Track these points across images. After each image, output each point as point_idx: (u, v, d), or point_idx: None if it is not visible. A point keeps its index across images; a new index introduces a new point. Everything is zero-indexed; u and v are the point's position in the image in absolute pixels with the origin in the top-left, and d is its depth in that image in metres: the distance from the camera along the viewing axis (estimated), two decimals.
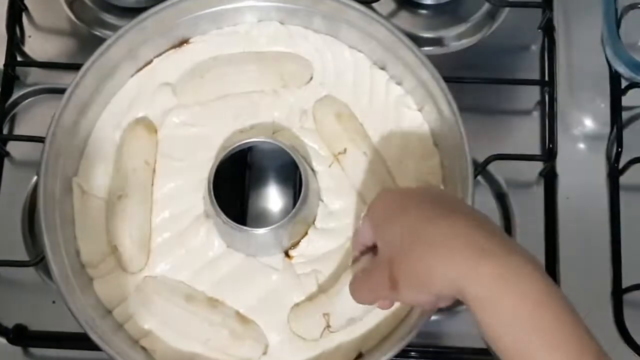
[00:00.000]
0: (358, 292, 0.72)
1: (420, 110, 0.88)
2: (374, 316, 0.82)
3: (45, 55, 1.00)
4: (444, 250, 0.62)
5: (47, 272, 0.85)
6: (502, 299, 0.58)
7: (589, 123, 0.97)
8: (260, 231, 0.81)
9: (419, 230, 0.64)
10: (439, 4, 1.01)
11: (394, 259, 0.65)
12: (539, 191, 0.95)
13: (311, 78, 0.89)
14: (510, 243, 0.62)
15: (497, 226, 0.67)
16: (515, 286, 0.59)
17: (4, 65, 0.97)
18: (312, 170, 0.86)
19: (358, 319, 0.81)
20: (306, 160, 0.86)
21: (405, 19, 1.01)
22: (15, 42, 0.99)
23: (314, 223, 0.85)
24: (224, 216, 0.80)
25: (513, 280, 0.59)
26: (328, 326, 0.80)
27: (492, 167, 0.93)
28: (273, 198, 0.91)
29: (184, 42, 0.90)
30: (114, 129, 0.87)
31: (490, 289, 0.59)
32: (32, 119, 0.98)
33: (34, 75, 0.99)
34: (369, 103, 0.88)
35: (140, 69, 0.89)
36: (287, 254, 0.84)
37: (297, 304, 0.82)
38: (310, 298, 0.83)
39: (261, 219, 0.90)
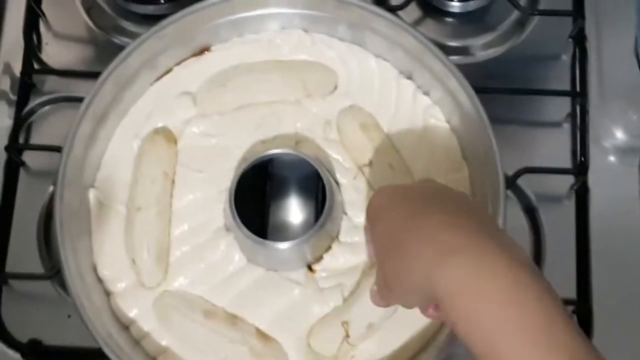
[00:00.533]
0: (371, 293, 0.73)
1: (448, 121, 0.85)
2: (396, 339, 0.79)
3: (63, 63, 0.98)
4: (415, 248, 0.61)
5: (63, 285, 0.83)
6: (469, 295, 0.58)
7: (620, 135, 0.94)
8: (283, 245, 0.78)
9: (400, 229, 0.64)
10: (466, 11, 0.98)
11: (382, 258, 0.66)
12: (570, 206, 0.92)
13: (335, 87, 0.87)
14: (492, 241, 0.60)
15: (489, 223, 0.65)
16: (484, 283, 0.57)
17: (21, 73, 0.95)
18: (336, 182, 0.83)
19: (377, 325, 0.78)
20: (330, 172, 0.83)
21: (431, 27, 0.99)
22: (31, 49, 0.97)
23: (337, 237, 0.82)
24: (245, 230, 0.78)
25: (483, 277, 0.57)
26: (347, 336, 0.78)
27: (521, 181, 0.91)
28: (294, 210, 0.88)
29: (204, 50, 0.88)
30: (133, 139, 0.85)
31: (458, 285, 0.58)
32: (48, 127, 0.96)
33: (51, 83, 0.97)
34: (395, 114, 0.86)
35: (160, 77, 0.87)
36: (310, 268, 0.82)
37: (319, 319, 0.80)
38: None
39: (281, 232, 0.87)
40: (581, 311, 0.87)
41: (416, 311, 0.73)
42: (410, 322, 0.79)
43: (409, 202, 0.66)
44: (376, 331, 0.79)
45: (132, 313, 0.81)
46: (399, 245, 0.63)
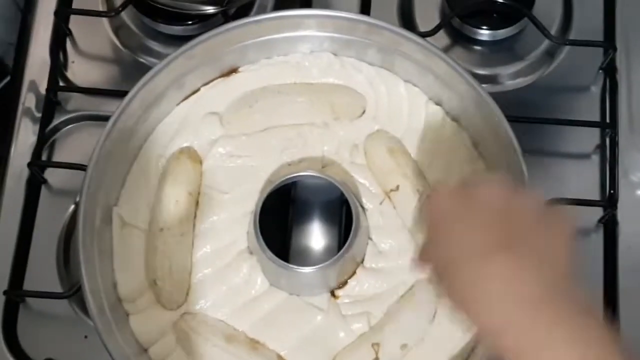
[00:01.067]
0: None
1: (475, 147, 0.84)
2: None
3: (88, 82, 0.97)
4: (489, 290, 0.59)
5: (80, 305, 0.83)
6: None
7: None
8: (307, 270, 0.77)
9: (475, 257, 0.60)
10: (495, 40, 0.97)
11: (446, 265, 0.62)
12: (598, 239, 0.90)
13: (363, 111, 0.86)
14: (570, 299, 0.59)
15: (564, 272, 0.62)
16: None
17: (46, 90, 0.95)
18: (362, 207, 0.82)
19: (411, 345, 0.77)
20: (356, 197, 0.82)
21: (460, 55, 0.98)
22: (58, 67, 0.96)
23: (362, 262, 0.81)
24: (269, 253, 0.77)
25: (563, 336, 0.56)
26: (376, 359, 0.77)
27: None
28: (316, 235, 0.88)
29: (232, 71, 0.87)
30: (158, 158, 0.84)
31: (536, 341, 0.56)
32: (71, 145, 0.95)
33: (76, 101, 0.96)
34: (423, 139, 0.84)
35: (187, 97, 0.86)
36: (333, 294, 0.80)
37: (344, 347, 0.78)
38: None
39: (303, 257, 0.86)
40: None
41: (449, 332, 0.74)
42: (442, 345, 0.78)
43: (498, 225, 0.62)
44: (409, 352, 0.77)
45: (151, 335, 0.79)
46: (473, 272, 0.60)
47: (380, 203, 0.83)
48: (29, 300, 0.89)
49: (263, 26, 0.84)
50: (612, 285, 0.88)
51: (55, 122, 0.95)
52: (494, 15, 0.96)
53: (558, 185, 0.92)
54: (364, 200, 0.83)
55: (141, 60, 0.98)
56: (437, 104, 0.86)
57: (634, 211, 0.91)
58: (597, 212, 0.90)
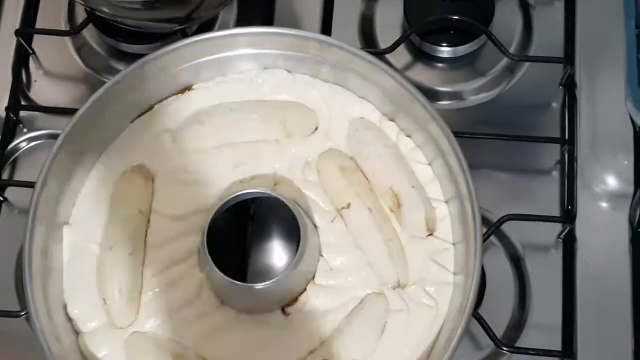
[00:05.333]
0: None
1: (430, 164, 0.84)
2: None
3: (51, 101, 0.98)
4: None
5: None
6: None
7: (611, 180, 0.92)
8: (256, 286, 0.77)
9: None
10: (455, 56, 0.97)
11: None
12: (557, 255, 0.90)
13: (316, 129, 0.86)
14: None
15: None
16: None
17: (6, 108, 0.95)
18: (314, 224, 0.82)
19: None
20: (307, 214, 0.82)
21: (420, 72, 0.98)
22: (19, 85, 0.97)
23: (313, 279, 0.81)
24: (217, 270, 0.76)
25: None
26: None
27: (507, 229, 0.89)
28: (276, 253, 0.88)
29: (186, 88, 0.87)
30: (110, 176, 0.84)
31: None
32: (33, 164, 0.95)
33: (38, 121, 0.97)
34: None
35: (140, 115, 0.86)
36: (283, 311, 0.80)
37: None
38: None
39: (263, 275, 0.86)
40: None
41: (398, 347, 0.74)
42: None
43: None
44: None
45: (101, 354, 0.79)
46: None
47: (332, 220, 0.82)
48: None
49: (215, 44, 0.84)
50: (570, 301, 0.87)
51: (17, 140, 0.96)
52: (452, 32, 0.96)
53: (520, 201, 0.91)
54: (315, 217, 0.82)
55: (104, 79, 0.98)
56: (391, 120, 0.86)
57: (594, 225, 0.90)
58: (557, 228, 0.90)
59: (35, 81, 0.99)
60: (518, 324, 0.87)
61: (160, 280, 0.81)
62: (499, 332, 0.84)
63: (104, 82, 0.94)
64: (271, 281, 0.77)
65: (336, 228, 0.82)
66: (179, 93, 0.87)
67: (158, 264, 0.81)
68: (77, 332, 0.80)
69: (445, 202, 0.83)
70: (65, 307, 0.80)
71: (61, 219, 0.82)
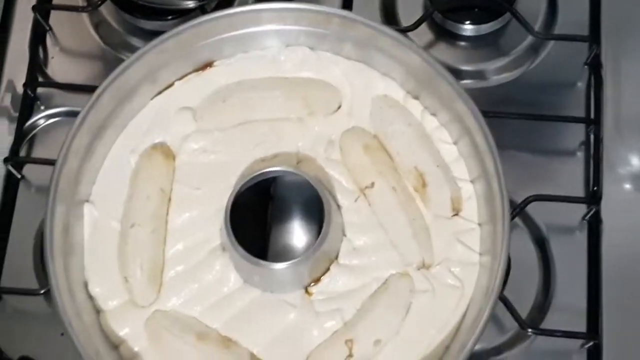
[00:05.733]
0: None
1: (455, 143, 0.82)
2: None
3: (68, 78, 0.97)
4: None
5: None
6: None
7: (636, 162, 0.91)
8: (279, 266, 0.76)
9: None
10: (478, 35, 0.96)
11: None
12: (582, 237, 0.89)
13: (339, 106, 0.85)
14: None
15: None
16: None
17: (23, 85, 0.94)
18: (337, 204, 0.81)
19: (384, 342, 0.76)
20: (330, 194, 0.80)
21: (443, 51, 0.97)
22: (36, 62, 0.96)
23: (336, 259, 0.80)
24: (241, 249, 0.76)
25: None
26: (350, 356, 0.76)
27: (532, 210, 0.88)
28: (296, 233, 0.86)
29: (207, 65, 0.86)
30: (130, 154, 0.83)
31: None
32: (51, 142, 0.95)
33: (56, 98, 0.96)
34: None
35: (161, 92, 0.85)
36: (306, 291, 0.79)
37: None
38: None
39: (283, 255, 0.85)
40: (590, 346, 0.83)
41: (423, 328, 0.73)
42: (416, 341, 0.76)
43: None
44: (382, 349, 0.76)
45: (123, 332, 0.78)
46: None
47: (355, 200, 0.81)
48: (6, 297, 0.88)
49: (236, 19, 0.83)
50: (596, 283, 0.86)
51: (34, 118, 0.95)
52: (476, 10, 0.95)
53: (543, 182, 0.90)
54: (338, 197, 0.81)
55: (122, 56, 0.97)
56: (415, 98, 0.84)
57: (620, 206, 0.89)
58: (582, 210, 0.89)
59: (53, 58, 0.98)
60: (542, 306, 0.86)
61: (182, 259, 0.80)
62: (523, 314, 0.83)
63: (122, 60, 0.94)
64: (295, 260, 0.76)
65: (360, 207, 0.81)
66: (199, 70, 0.86)
67: (180, 243, 0.81)
68: (98, 311, 0.79)
69: (471, 181, 0.82)
70: (86, 285, 0.79)
71: (82, 196, 0.81)
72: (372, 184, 0.81)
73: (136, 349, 0.78)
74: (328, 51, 0.86)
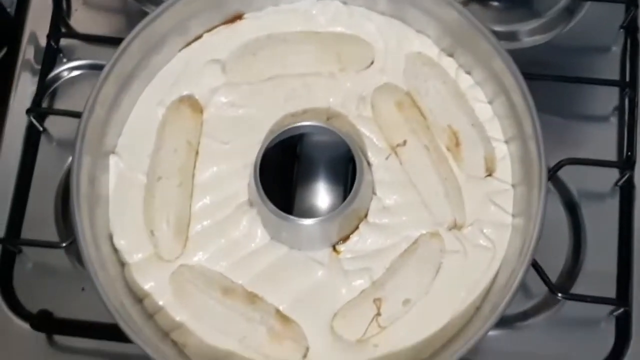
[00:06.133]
0: None
1: (490, 102, 0.81)
2: (424, 328, 0.75)
3: (92, 30, 0.95)
4: None
5: (78, 257, 0.80)
6: None
7: None
8: (308, 222, 0.75)
9: None
10: None
11: None
12: (614, 203, 0.87)
13: (372, 63, 0.83)
14: None
15: None
16: None
17: (47, 36, 0.92)
18: (367, 161, 0.79)
19: (413, 301, 0.75)
20: (361, 150, 0.79)
21: (476, 11, 0.94)
22: (60, 14, 0.94)
23: (366, 217, 0.78)
24: (270, 204, 0.74)
25: None
26: (378, 314, 0.75)
27: (563, 174, 0.86)
28: (321, 194, 0.85)
29: (237, 17, 0.84)
30: (157, 106, 0.82)
31: None
32: (73, 95, 0.94)
33: (78, 50, 0.95)
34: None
35: (189, 43, 0.83)
36: (334, 249, 0.78)
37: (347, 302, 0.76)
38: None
39: (307, 216, 0.83)
40: (620, 313, 0.82)
41: (453, 288, 0.72)
42: (445, 302, 0.75)
43: None
44: (411, 309, 0.75)
45: (147, 285, 0.77)
46: None
47: (386, 158, 0.80)
48: (26, 250, 0.87)
49: None
50: (627, 250, 0.85)
51: (57, 70, 0.93)
52: None
53: (575, 145, 0.89)
54: (369, 155, 0.80)
55: (146, 9, 0.96)
56: (450, 55, 0.82)
57: None
58: (614, 175, 0.87)
59: (76, 10, 0.96)
60: (572, 271, 0.85)
61: (209, 214, 0.79)
62: (552, 279, 0.82)
63: (145, 12, 0.93)
64: (324, 217, 0.75)
65: (391, 166, 0.80)
66: (229, 22, 0.84)
67: (207, 197, 0.79)
68: (122, 264, 0.78)
69: (505, 142, 0.80)
70: (111, 237, 0.78)
71: (108, 147, 0.80)
72: (404, 142, 0.79)
73: (161, 302, 0.77)
74: (362, 6, 0.84)
